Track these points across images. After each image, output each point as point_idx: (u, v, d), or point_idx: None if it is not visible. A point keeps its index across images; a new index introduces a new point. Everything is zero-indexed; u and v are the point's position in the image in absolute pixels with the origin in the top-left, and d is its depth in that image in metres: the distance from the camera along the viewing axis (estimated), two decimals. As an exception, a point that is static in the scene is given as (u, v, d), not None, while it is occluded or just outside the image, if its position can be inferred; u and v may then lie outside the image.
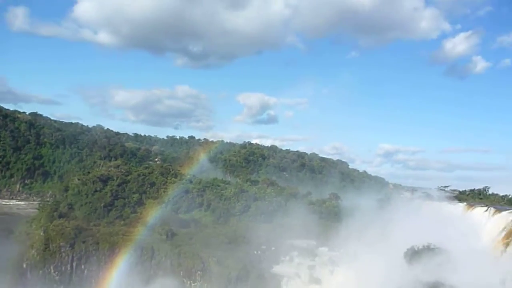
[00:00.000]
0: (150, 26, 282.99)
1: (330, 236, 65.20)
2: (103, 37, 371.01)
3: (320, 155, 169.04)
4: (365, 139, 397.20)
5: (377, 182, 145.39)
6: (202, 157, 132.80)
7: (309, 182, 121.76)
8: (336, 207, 77.73)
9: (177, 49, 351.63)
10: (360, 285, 48.26)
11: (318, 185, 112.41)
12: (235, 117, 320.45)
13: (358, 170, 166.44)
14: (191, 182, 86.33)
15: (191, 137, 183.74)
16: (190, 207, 79.78)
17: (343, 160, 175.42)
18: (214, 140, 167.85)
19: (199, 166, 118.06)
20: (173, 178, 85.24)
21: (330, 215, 73.24)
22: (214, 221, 75.28)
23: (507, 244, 52.37)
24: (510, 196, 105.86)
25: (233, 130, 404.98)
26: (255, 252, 64.14)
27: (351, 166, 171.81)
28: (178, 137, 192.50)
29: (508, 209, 70.16)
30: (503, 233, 56.31)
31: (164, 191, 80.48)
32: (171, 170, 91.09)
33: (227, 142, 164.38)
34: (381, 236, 57.85)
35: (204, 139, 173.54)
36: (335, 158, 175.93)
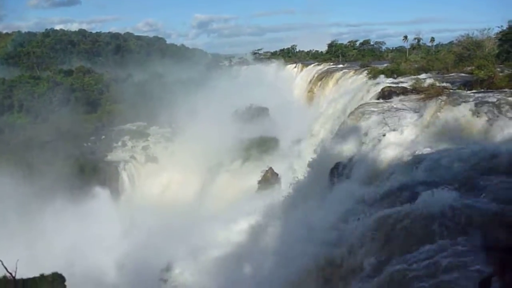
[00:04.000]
0: None
1: (159, 114, 66.03)
2: None
3: (136, 34, 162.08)
4: (178, 11, 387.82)
5: (196, 54, 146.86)
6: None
7: (128, 64, 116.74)
8: (160, 85, 77.59)
9: None
10: (193, 153, 51.19)
11: (138, 66, 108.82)
12: (28, 2, 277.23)
13: (176, 45, 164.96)
14: (-8, 83, 75.82)
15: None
16: (-1, 111, 71.28)
17: (160, 36, 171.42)
18: (10, 32, 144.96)
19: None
20: (-33, 83, 73.59)
21: (155, 94, 73.04)
22: (31, 122, 69.02)
23: (312, 94, 59.81)
24: (314, 51, 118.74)
25: (30, 18, 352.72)
26: (85, 144, 62.03)
27: (168, 41, 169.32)
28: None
29: (312, 63, 79.13)
30: (310, 85, 63.88)
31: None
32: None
33: (25, 32, 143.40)
34: (208, 104, 60.73)
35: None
36: (151, 35, 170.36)
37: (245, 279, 21.69)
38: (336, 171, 17.55)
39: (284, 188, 29.64)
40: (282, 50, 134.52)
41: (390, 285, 8.76)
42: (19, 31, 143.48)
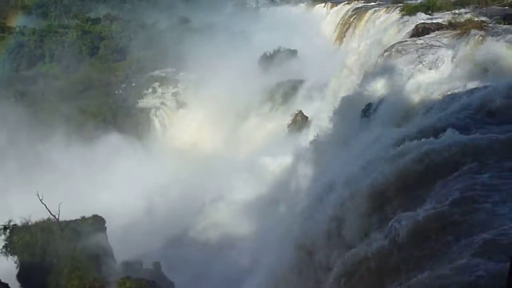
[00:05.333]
0: None
1: (187, 60, 65.71)
2: None
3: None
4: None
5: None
6: (28, 3, 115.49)
7: (153, 10, 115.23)
8: (187, 30, 76.74)
9: None
10: (222, 98, 51.33)
11: (164, 11, 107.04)
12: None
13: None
14: (23, 34, 76.68)
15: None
16: (31, 62, 72.55)
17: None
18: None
19: (27, 14, 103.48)
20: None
21: (182, 39, 72.43)
22: (63, 71, 70.14)
23: (342, 34, 57.95)
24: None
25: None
26: (117, 92, 62.89)
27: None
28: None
29: (342, 2, 75.97)
30: (339, 25, 61.80)
31: (-7, 51, 71.04)
32: (-7, 25, 79.20)
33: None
34: (236, 48, 60.07)
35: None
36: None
37: (277, 219, 22.35)
38: (367, 111, 17.35)
39: (314, 131, 29.59)
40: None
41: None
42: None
